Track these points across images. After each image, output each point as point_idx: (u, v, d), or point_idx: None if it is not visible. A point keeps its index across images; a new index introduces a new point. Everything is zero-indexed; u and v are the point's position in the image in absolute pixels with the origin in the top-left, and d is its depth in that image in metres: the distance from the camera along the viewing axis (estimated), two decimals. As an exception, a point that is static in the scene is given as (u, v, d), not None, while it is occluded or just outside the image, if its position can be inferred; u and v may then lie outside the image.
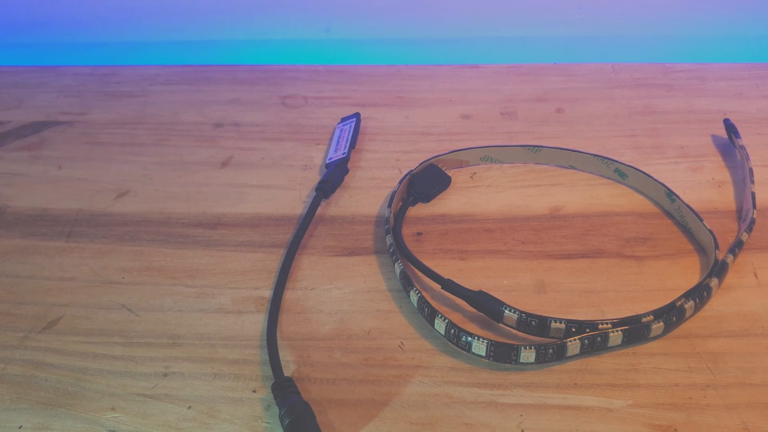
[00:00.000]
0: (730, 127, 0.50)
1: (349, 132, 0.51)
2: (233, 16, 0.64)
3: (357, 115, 0.53)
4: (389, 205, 0.44)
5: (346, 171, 0.48)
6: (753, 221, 0.42)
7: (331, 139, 0.52)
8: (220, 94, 0.58)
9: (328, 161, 0.49)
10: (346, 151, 0.49)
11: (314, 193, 0.46)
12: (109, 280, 0.41)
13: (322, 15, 0.64)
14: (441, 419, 0.33)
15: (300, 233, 0.42)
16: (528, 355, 0.34)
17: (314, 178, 0.48)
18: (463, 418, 0.33)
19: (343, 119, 0.53)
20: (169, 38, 0.65)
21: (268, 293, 0.40)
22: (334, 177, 0.47)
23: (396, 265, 0.40)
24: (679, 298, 0.37)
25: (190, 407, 0.34)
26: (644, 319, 0.36)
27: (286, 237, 0.43)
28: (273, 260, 0.42)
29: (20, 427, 0.33)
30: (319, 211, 0.45)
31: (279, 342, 0.37)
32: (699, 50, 0.64)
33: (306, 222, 0.43)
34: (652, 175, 0.45)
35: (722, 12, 0.63)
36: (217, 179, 0.48)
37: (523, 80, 0.58)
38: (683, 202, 0.43)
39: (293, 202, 0.46)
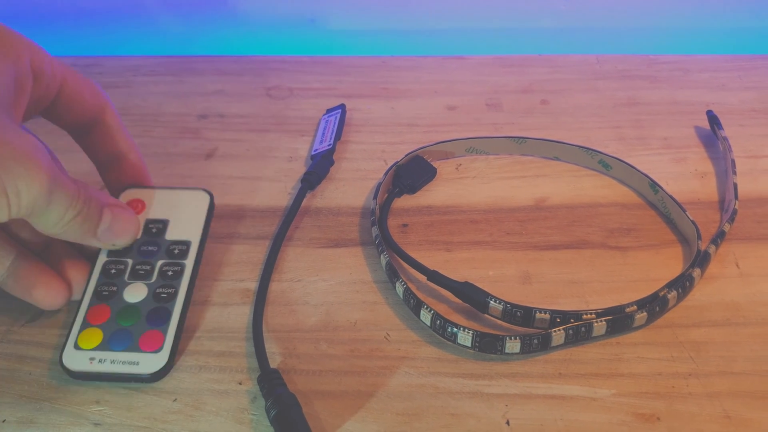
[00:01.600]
0: (713, 118, 0.50)
1: (335, 123, 0.51)
2: (217, 6, 0.63)
3: (342, 107, 0.53)
4: (375, 197, 0.44)
5: (332, 162, 0.48)
6: (735, 212, 0.42)
7: (316, 131, 0.52)
8: (204, 86, 0.57)
9: (313, 153, 0.49)
10: (332, 142, 0.49)
11: (300, 185, 0.46)
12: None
13: (307, 5, 0.64)
14: (427, 410, 0.33)
15: (285, 225, 0.42)
16: (513, 346, 0.35)
17: (300, 169, 0.48)
18: (448, 409, 0.33)
19: (329, 110, 0.53)
20: (153, 28, 0.65)
21: (253, 285, 0.40)
22: (319, 168, 0.46)
23: (382, 256, 0.40)
24: (662, 288, 0.38)
25: (175, 400, 0.34)
26: (628, 309, 0.36)
27: (272, 229, 0.43)
28: (258, 252, 0.42)
29: (4, 421, 0.33)
30: (304, 202, 0.45)
31: (265, 334, 0.37)
32: (682, 42, 0.65)
33: (291, 214, 0.43)
34: (635, 166, 0.46)
35: (705, 4, 0.63)
36: (202, 171, 0.48)
37: (509, 71, 0.59)
38: (666, 193, 0.44)
39: (279, 193, 0.46)
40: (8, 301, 0.39)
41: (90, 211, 0.34)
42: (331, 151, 0.48)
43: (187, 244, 0.39)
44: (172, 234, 0.39)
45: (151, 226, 0.39)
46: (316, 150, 0.49)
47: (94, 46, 0.65)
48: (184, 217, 0.40)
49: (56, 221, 0.32)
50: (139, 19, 0.65)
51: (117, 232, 0.36)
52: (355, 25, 0.65)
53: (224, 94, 0.56)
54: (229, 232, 0.43)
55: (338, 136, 0.50)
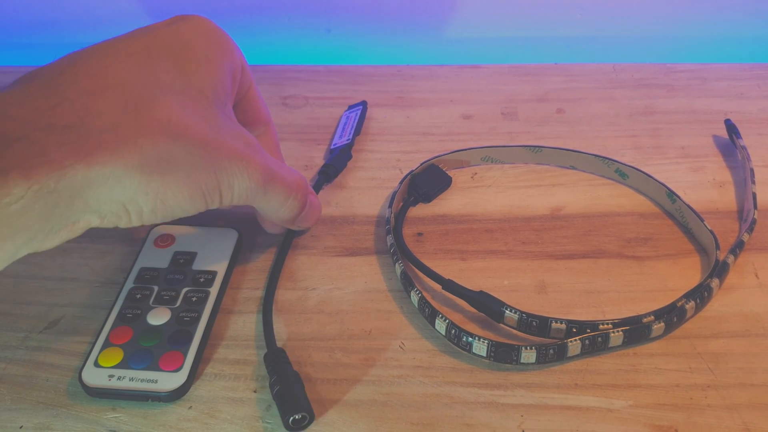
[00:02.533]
0: (731, 127, 0.50)
1: (355, 119, 0.52)
2: (233, 16, 0.64)
3: (363, 103, 0.54)
4: (390, 206, 0.44)
5: (350, 156, 0.49)
6: (754, 222, 0.42)
7: (336, 126, 0.52)
8: (221, 95, 0.57)
9: (332, 147, 0.50)
10: (351, 137, 0.50)
11: (317, 177, 0.47)
12: (110, 280, 0.41)
13: (323, 15, 0.64)
14: (442, 419, 0.33)
15: None
16: (529, 356, 0.34)
17: (315, 179, 0.48)
18: (463, 419, 0.33)
19: (350, 107, 0.54)
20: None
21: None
22: (337, 162, 0.48)
23: (397, 265, 0.40)
24: (680, 299, 0.37)
25: (190, 407, 0.34)
26: (645, 320, 0.36)
27: (287, 237, 0.43)
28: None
29: (21, 427, 0.33)
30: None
31: (280, 342, 0.37)
32: (700, 50, 0.64)
33: None
34: (653, 175, 0.45)
35: (723, 12, 0.63)
36: (218, 179, 0.48)
37: (524, 80, 0.58)
38: (684, 202, 0.43)
39: (294, 202, 0.46)
40: (26, 308, 0.39)
41: (302, 202, 0.38)
42: (349, 145, 0.49)
43: (213, 273, 0.39)
44: (198, 264, 0.40)
45: (179, 257, 0.40)
46: (335, 144, 0.50)
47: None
48: (211, 250, 0.41)
49: (276, 209, 0.37)
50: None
51: (308, 219, 0.40)
52: (370, 35, 0.65)
53: (241, 103, 0.56)
54: (244, 241, 0.43)
55: (358, 131, 0.51)
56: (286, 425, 0.32)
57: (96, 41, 0.33)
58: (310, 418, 0.33)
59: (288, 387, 0.33)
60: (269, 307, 0.38)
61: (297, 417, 0.32)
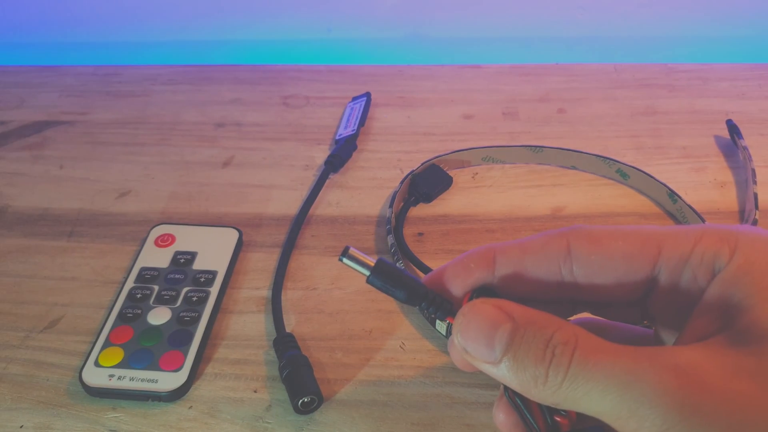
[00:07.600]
0: (732, 127, 0.50)
1: (360, 110, 0.53)
2: (235, 16, 0.64)
3: (367, 95, 0.54)
4: (391, 205, 0.44)
5: (355, 147, 0.50)
6: (755, 222, 0.42)
7: (341, 117, 0.53)
8: (221, 94, 0.57)
9: (337, 137, 0.50)
10: (356, 128, 0.50)
11: (323, 167, 0.47)
12: (110, 279, 0.41)
13: (324, 15, 0.64)
14: (442, 420, 0.33)
15: (306, 207, 0.44)
16: (529, 356, 0.34)
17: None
18: (464, 419, 0.33)
19: (354, 98, 0.55)
20: (171, 38, 0.65)
21: (268, 293, 0.40)
22: (343, 152, 0.48)
23: (397, 265, 0.40)
24: (681, 299, 0.37)
25: (191, 407, 0.34)
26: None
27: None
28: (274, 261, 0.42)
29: (21, 427, 0.33)
30: (320, 211, 0.45)
31: (280, 342, 0.37)
32: (701, 51, 0.64)
33: (314, 194, 0.45)
34: (654, 175, 0.45)
35: (725, 12, 0.63)
36: (219, 179, 0.48)
37: (525, 80, 0.58)
38: (685, 202, 0.43)
39: (295, 202, 0.46)
40: (26, 307, 0.39)
41: None
42: (354, 136, 0.50)
43: (213, 273, 0.40)
44: (199, 264, 0.40)
45: (179, 257, 0.41)
46: (340, 135, 0.50)
47: (114, 55, 0.66)
48: (212, 250, 0.41)
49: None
50: (158, 28, 0.65)
51: None
52: (371, 34, 0.65)
53: (241, 103, 0.56)
54: (245, 240, 0.43)
55: (362, 122, 0.51)
56: (296, 408, 0.33)
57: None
58: (319, 401, 0.33)
59: (297, 370, 0.33)
60: (278, 291, 0.39)
61: (306, 400, 0.33)
